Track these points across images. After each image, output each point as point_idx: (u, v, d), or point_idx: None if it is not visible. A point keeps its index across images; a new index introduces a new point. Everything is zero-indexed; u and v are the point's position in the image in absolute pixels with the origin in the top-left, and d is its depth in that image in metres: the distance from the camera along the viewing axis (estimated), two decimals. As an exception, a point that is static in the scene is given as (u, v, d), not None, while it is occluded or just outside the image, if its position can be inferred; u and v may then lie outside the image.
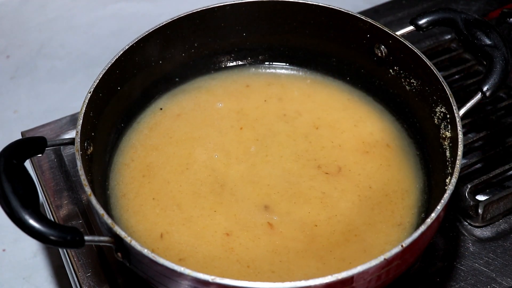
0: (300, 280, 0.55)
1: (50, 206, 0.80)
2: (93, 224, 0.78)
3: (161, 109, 0.82)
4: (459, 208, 0.78)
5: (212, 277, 0.56)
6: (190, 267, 0.57)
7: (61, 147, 0.86)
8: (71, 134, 0.86)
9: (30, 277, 0.92)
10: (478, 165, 0.83)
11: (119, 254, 0.62)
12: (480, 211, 0.76)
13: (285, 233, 0.69)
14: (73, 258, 0.75)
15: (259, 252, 0.67)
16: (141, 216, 0.72)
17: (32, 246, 0.95)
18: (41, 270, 0.93)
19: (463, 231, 0.77)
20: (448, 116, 0.69)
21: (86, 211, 0.79)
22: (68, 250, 0.75)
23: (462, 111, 0.68)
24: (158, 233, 0.70)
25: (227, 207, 0.71)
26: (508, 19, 0.98)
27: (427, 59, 0.72)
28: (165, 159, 0.77)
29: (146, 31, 0.76)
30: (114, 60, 0.73)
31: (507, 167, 0.80)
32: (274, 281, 0.55)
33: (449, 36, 0.99)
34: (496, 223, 0.78)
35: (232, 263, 0.66)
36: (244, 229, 0.69)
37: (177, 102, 0.83)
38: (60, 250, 0.79)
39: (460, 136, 0.65)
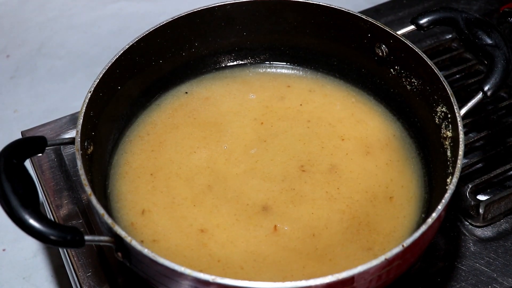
0: (266, 281, 0.55)
1: (50, 205, 0.80)
2: (93, 224, 0.78)
3: (186, 93, 0.82)
4: (460, 208, 0.78)
5: (213, 277, 0.55)
6: (161, 251, 0.56)
7: (61, 146, 0.86)
8: (71, 134, 0.86)
9: (30, 277, 0.92)
10: (479, 165, 0.83)
11: (119, 254, 0.62)
12: (481, 211, 0.76)
13: (265, 237, 0.68)
14: (73, 258, 0.74)
15: (234, 250, 0.67)
16: (133, 187, 0.72)
17: (32, 246, 0.95)
18: (41, 270, 0.93)
19: (464, 231, 0.77)
20: (449, 115, 0.69)
21: (86, 211, 0.79)
22: (68, 250, 0.75)
23: (463, 111, 0.68)
24: (141, 209, 0.70)
25: (207, 204, 0.71)
26: (508, 18, 0.97)
27: (428, 59, 0.72)
28: (180, 139, 0.77)
29: (147, 30, 0.76)
30: (114, 59, 0.73)
31: (508, 166, 0.80)
32: (240, 278, 0.55)
33: (449, 36, 0.99)
34: (497, 223, 0.78)
35: (202, 256, 0.67)
36: (220, 228, 0.69)
37: (205, 86, 0.83)
38: (60, 250, 0.79)
39: (461, 135, 0.65)
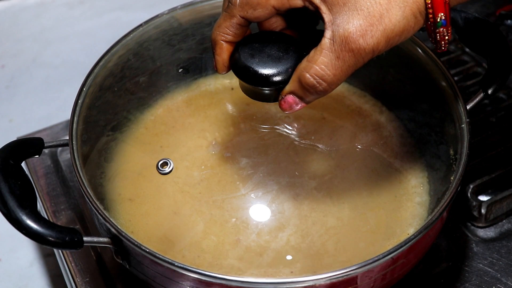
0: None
1: (47, 211, 0.79)
2: (91, 229, 0.77)
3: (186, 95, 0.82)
4: (462, 209, 0.78)
5: (216, 275, 0.55)
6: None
7: (58, 152, 0.85)
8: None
9: (27, 286, 0.91)
10: (480, 166, 0.82)
11: (118, 256, 0.61)
12: (483, 211, 0.76)
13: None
14: (71, 264, 0.73)
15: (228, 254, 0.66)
16: (131, 190, 0.72)
17: (28, 255, 0.94)
18: (38, 279, 0.92)
19: (467, 232, 0.77)
20: (451, 112, 0.68)
21: (84, 216, 0.78)
22: (66, 256, 0.74)
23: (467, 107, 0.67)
24: (140, 212, 0.70)
25: (206, 212, 0.70)
26: (505, 21, 0.98)
27: (427, 54, 0.72)
28: (182, 139, 0.76)
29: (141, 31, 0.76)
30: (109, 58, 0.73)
31: (509, 167, 0.80)
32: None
33: (447, 39, 0.99)
34: (500, 223, 0.78)
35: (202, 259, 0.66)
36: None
37: (206, 85, 0.83)
38: (57, 255, 0.78)
39: (466, 131, 0.65)
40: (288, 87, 0.58)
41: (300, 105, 0.58)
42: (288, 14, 0.60)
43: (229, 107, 0.81)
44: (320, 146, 0.76)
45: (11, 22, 1.30)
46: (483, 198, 0.78)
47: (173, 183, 0.72)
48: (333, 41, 0.53)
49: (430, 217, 0.60)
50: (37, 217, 0.56)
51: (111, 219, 0.59)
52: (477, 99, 0.68)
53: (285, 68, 0.58)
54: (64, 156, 0.85)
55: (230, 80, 0.82)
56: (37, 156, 0.64)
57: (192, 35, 0.79)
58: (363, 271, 0.56)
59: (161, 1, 1.24)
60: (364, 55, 0.53)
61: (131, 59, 0.76)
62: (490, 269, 0.73)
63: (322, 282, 0.55)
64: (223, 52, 0.60)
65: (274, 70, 0.59)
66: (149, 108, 0.80)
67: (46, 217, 0.80)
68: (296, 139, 0.77)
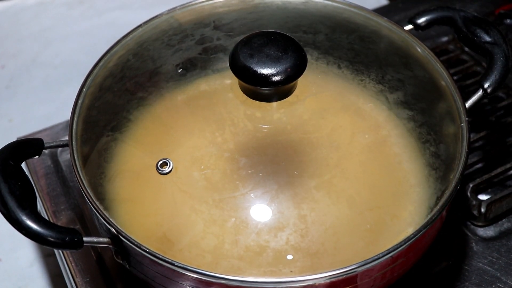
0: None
1: (47, 211, 0.79)
2: (91, 229, 0.77)
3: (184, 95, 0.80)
4: (461, 208, 0.78)
5: (217, 275, 0.55)
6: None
7: (58, 152, 0.85)
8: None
9: (27, 286, 0.92)
10: (479, 165, 0.82)
11: (118, 256, 0.61)
12: (482, 210, 0.76)
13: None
14: (71, 264, 0.74)
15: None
16: (132, 191, 0.71)
17: (28, 255, 0.95)
18: (38, 279, 0.92)
19: (466, 231, 0.77)
20: (450, 111, 0.68)
21: (84, 216, 0.78)
22: (66, 256, 0.74)
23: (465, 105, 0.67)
24: (141, 212, 0.69)
25: (206, 212, 0.69)
26: (504, 20, 0.98)
27: (426, 52, 0.72)
28: (183, 139, 0.75)
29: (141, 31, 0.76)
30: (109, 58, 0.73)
31: (508, 165, 0.80)
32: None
33: (446, 38, 0.99)
34: (499, 222, 0.78)
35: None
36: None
37: (209, 84, 0.81)
38: (57, 255, 0.78)
39: (466, 130, 0.65)
40: None
41: None
42: None
43: (229, 107, 0.81)
44: (319, 145, 0.76)
45: (11, 22, 1.31)
46: (482, 197, 0.78)
47: (173, 183, 0.72)
48: None
49: (429, 216, 0.61)
50: (37, 218, 0.56)
51: (111, 219, 0.59)
52: (477, 98, 0.69)
53: (284, 68, 0.58)
54: (64, 156, 0.85)
55: (230, 80, 0.82)
56: (37, 156, 0.64)
57: (192, 35, 0.79)
58: (363, 270, 0.56)
59: (161, 1, 1.25)
60: None
61: (130, 59, 0.76)
62: (490, 268, 0.73)
63: (322, 281, 0.55)
64: None
65: (273, 70, 0.59)
66: (148, 108, 0.80)
67: (46, 217, 0.80)
68: (296, 138, 0.77)
